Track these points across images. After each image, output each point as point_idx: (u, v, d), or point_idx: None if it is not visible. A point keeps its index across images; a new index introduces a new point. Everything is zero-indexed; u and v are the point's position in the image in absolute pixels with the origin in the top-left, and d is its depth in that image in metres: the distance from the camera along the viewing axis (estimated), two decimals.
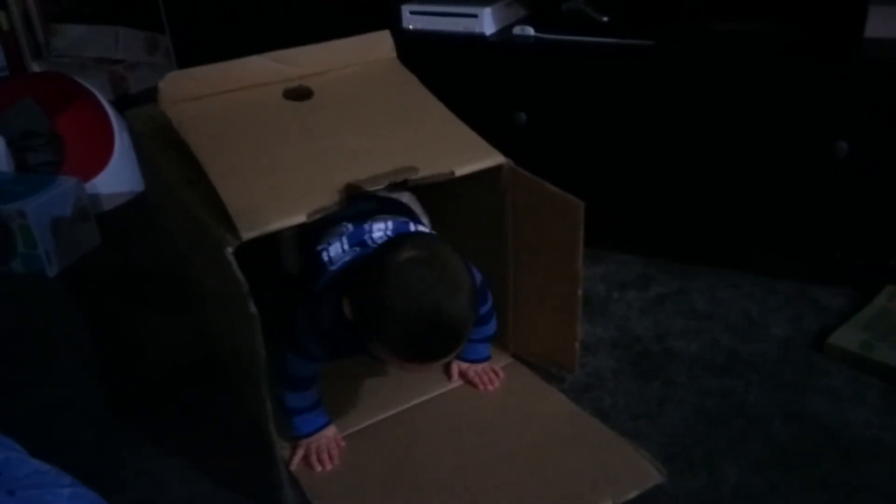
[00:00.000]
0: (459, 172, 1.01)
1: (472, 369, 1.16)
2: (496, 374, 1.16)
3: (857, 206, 1.23)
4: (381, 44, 1.23)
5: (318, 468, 1.02)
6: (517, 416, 1.09)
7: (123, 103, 2.05)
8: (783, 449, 1.02)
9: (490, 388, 1.14)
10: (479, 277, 1.05)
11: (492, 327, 1.15)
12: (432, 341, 0.88)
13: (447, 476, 1.00)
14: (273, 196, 0.96)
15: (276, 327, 0.98)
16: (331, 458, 1.03)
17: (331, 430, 1.06)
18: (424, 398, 1.13)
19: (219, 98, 1.11)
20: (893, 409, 1.07)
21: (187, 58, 1.84)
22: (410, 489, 0.98)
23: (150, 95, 1.13)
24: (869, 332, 1.18)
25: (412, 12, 1.47)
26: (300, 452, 1.03)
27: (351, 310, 0.91)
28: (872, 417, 1.06)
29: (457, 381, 1.16)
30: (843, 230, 1.27)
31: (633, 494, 0.95)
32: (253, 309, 0.86)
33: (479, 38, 1.43)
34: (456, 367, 1.16)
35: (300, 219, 0.93)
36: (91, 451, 1.09)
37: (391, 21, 1.46)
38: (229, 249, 0.90)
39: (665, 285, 1.38)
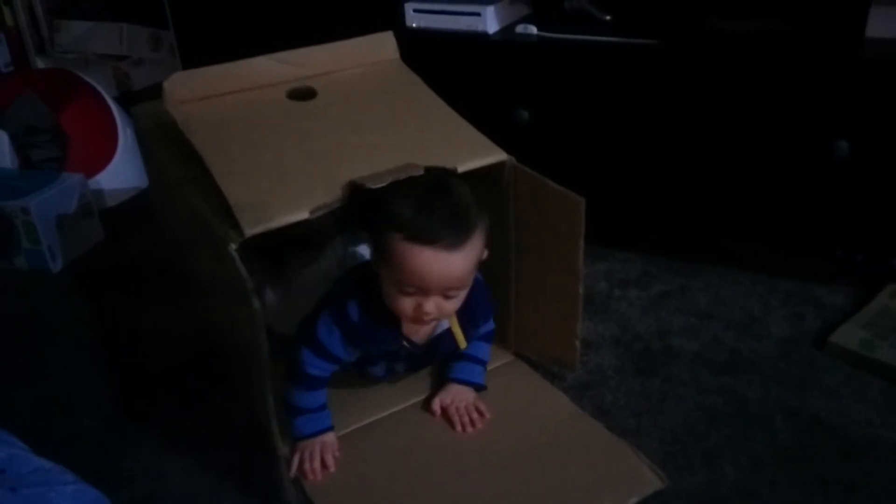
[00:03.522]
0: (462, 169, 1.01)
1: (455, 405, 1.09)
2: (481, 413, 1.09)
3: (858, 205, 1.24)
4: (384, 45, 1.24)
5: (311, 477, 1.00)
6: (518, 416, 1.09)
7: (127, 100, 2.06)
8: (783, 446, 1.03)
9: (469, 430, 1.07)
10: (485, 288, 1.08)
11: (485, 351, 1.14)
12: (441, 203, 0.92)
13: (447, 476, 1.00)
14: (276, 193, 0.97)
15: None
16: (325, 465, 1.01)
17: (329, 436, 1.04)
18: (425, 396, 1.13)
19: (223, 98, 1.12)
20: (893, 408, 1.07)
21: (191, 54, 1.84)
22: (410, 489, 0.99)
23: (154, 92, 1.14)
24: (870, 330, 1.18)
25: (416, 10, 1.47)
26: (296, 459, 1.01)
27: (370, 237, 0.98)
28: (873, 415, 1.06)
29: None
30: (844, 228, 1.27)
31: (632, 501, 0.94)
32: (256, 305, 0.87)
33: (482, 37, 1.43)
34: (438, 400, 1.10)
35: (303, 215, 0.93)
36: (93, 446, 1.10)
37: (395, 19, 1.46)
38: (233, 246, 0.90)
39: (667, 283, 1.39)
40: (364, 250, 1.17)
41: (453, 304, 0.97)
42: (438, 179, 0.96)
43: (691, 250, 1.44)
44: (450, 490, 0.98)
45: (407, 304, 0.95)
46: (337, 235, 1.21)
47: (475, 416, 1.08)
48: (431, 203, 0.92)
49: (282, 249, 1.23)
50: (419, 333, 1.05)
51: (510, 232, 1.13)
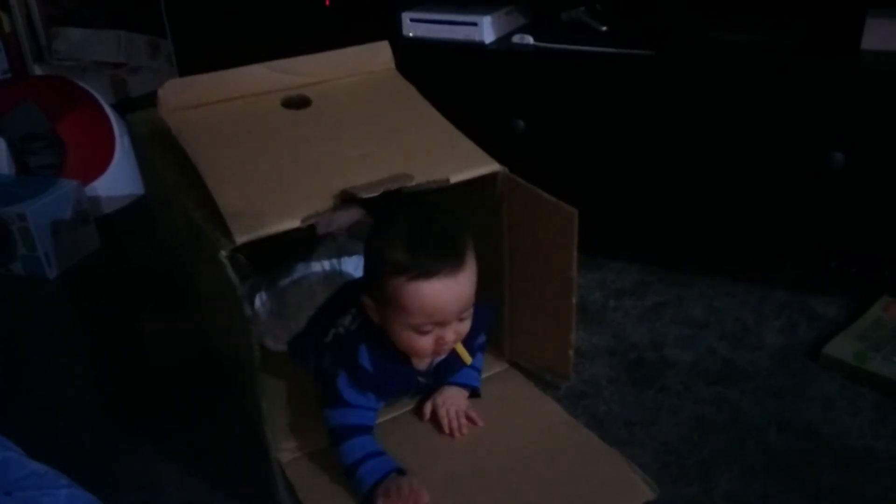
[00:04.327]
0: (455, 179, 1.02)
1: (446, 408, 1.07)
2: (472, 421, 1.07)
3: (853, 217, 1.24)
4: (379, 54, 1.24)
5: None
6: (511, 425, 1.09)
7: (125, 107, 2.07)
8: (776, 457, 1.03)
9: (457, 435, 1.05)
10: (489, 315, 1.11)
11: (479, 360, 1.13)
12: (429, 232, 0.93)
13: (439, 485, 0.99)
14: (268, 201, 0.97)
15: None
16: None
17: (405, 479, 0.94)
18: (416, 405, 1.12)
19: (218, 106, 1.12)
20: (886, 419, 1.07)
21: (189, 62, 1.85)
22: None
23: (152, 99, 1.14)
24: (863, 342, 1.19)
25: (412, 20, 1.48)
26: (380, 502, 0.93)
27: (367, 294, 0.96)
28: (865, 427, 1.06)
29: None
30: (838, 240, 1.28)
31: None
32: (248, 311, 0.87)
33: (479, 47, 1.43)
34: (430, 403, 1.09)
35: (294, 223, 0.93)
36: (88, 453, 1.10)
37: (392, 28, 1.47)
38: (223, 253, 0.90)
39: (661, 294, 1.39)
40: (348, 264, 1.16)
41: (467, 324, 0.99)
42: (417, 210, 0.97)
43: (686, 261, 1.45)
44: (442, 499, 0.97)
45: (426, 343, 0.97)
46: (320, 248, 1.20)
47: (464, 421, 1.07)
48: (421, 236, 0.93)
49: (272, 260, 1.23)
50: (425, 362, 1.05)
51: (504, 242, 1.13)
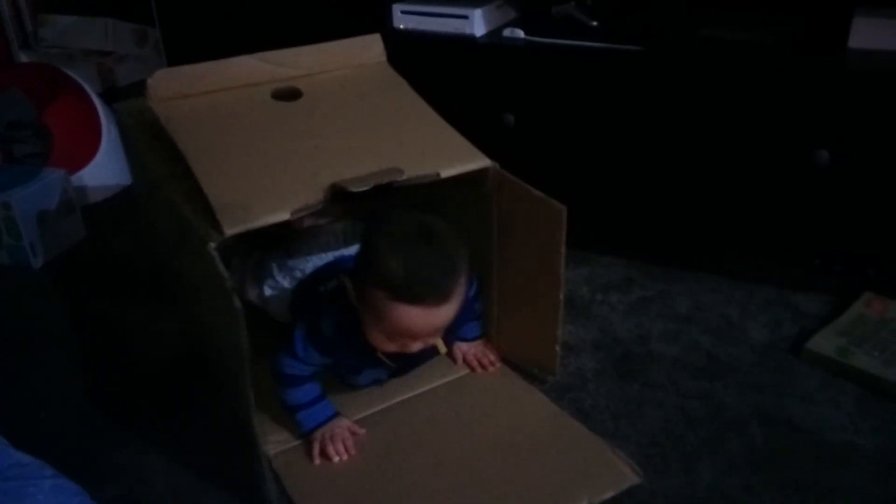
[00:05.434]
0: (445, 174, 1.02)
1: (471, 352, 1.18)
2: (492, 362, 1.18)
3: (837, 214, 1.25)
4: (371, 47, 1.24)
5: (336, 458, 1.02)
6: (498, 415, 1.10)
7: (111, 95, 2.05)
8: (759, 450, 1.04)
9: (491, 369, 1.18)
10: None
11: (478, 308, 1.18)
12: (427, 260, 0.90)
13: (427, 474, 1.01)
14: (258, 193, 0.97)
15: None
16: (347, 447, 1.02)
17: (342, 421, 1.05)
18: (406, 396, 1.14)
19: (207, 97, 1.12)
20: (867, 414, 1.09)
21: (177, 51, 1.84)
22: (390, 486, 0.99)
23: (139, 88, 1.13)
24: (846, 337, 1.20)
25: (403, 12, 1.47)
26: (316, 446, 1.03)
27: (351, 280, 0.96)
28: (846, 421, 1.08)
29: (462, 369, 1.18)
30: (823, 237, 1.29)
31: (609, 495, 0.96)
32: (237, 303, 0.87)
33: (470, 40, 1.44)
34: (458, 350, 1.18)
35: (284, 216, 0.93)
36: (74, 444, 1.09)
37: (382, 20, 1.47)
38: (212, 245, 0.90)
39: (648, 288, 1.40)
40: None
41: (437, 338, 1.00)
42: (421, 226, 0.93)
43: (673, 256, 1.46)
44: (430, 486, 0.99)
45: (390, 346, 0.98)
46: (339, 226, 1.19)
47: (492, 357, 1.19)
48: (417, 257, 0.90)
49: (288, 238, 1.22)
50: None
51: (492, 237, 1.13)
